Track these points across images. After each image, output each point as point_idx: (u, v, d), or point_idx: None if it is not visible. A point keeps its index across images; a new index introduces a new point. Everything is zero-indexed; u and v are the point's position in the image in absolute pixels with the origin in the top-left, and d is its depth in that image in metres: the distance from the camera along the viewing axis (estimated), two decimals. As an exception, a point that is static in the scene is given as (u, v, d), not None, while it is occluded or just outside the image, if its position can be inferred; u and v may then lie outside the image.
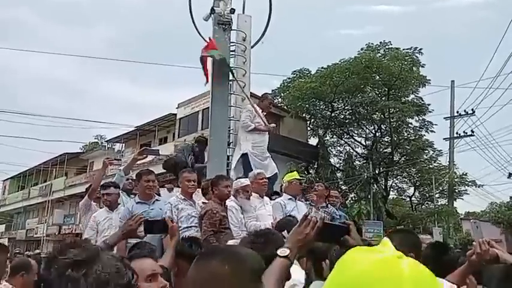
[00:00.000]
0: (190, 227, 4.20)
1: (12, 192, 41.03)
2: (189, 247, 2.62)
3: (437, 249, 2.74)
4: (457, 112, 22.62)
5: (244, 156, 5.90)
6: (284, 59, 59.54)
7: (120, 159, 7.17)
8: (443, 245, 2.90)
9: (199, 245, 2.70)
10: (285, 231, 3.25)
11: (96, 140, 40.08)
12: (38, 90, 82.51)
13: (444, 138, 23.17)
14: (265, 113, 6.21)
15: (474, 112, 21.90)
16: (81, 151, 36.76)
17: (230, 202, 4.54)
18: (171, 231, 2.76)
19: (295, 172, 5.79)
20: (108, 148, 34.42)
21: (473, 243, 2.60)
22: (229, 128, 6.36)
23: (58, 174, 34.86)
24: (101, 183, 5.22)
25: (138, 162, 5.79)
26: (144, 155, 5.56)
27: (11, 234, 37.98)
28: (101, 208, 5.27)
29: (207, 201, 4.48)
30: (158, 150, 5.74)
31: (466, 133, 22.28)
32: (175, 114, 25.62)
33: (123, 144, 31.71)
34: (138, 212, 4.41)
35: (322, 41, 64.85)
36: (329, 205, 5.50)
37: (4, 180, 42.19)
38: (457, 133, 22.56)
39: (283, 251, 1.56)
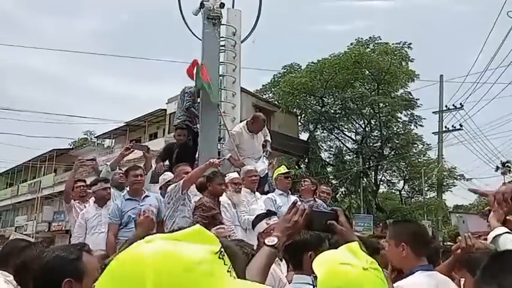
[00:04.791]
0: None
1: (0, 189, 40.53)
2: None
3: None
4: (446, 106, 22.82)
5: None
6: (274, 54, 59.46)
7: (94, 159, 7.04)
8: None
9: None
10: (276, 217, 3.24)
11: (86, 136, 39.69)
12: (23, 84, 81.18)
13: (433, 133, 23.37)
14: (258, 132, 5.98)
15: (462, 106, 22.11)
16: (70, 147, 36.39)
17: (223, 198, 4.61)
18: (138, 223, 2.67)
19: (282, 167, 5.75)
20: (97, 144, 34.13)
21: (459, 237, 2.59)
22: (220, 124, 6.34)
23: (47, 170, 34.51)
24: (91, 181, 5.18)
25: (129, 157, 5.74)
26: (132, 150, 5.52)
27: (0, 232, 37.54)
28: (82, 204, 5.17)
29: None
30: (147, 146, 5.60)
31: (455, 127, 22.50)
32: (166, 110, 25.44)
33: (113, 140, 31.47)
34: (127, 208, 4.36)
35: (311, 36, 64.87)
36: (316, 199, 5.48)
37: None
38: (445, 127, 22.76)
39: (271, 240, 1.54)
